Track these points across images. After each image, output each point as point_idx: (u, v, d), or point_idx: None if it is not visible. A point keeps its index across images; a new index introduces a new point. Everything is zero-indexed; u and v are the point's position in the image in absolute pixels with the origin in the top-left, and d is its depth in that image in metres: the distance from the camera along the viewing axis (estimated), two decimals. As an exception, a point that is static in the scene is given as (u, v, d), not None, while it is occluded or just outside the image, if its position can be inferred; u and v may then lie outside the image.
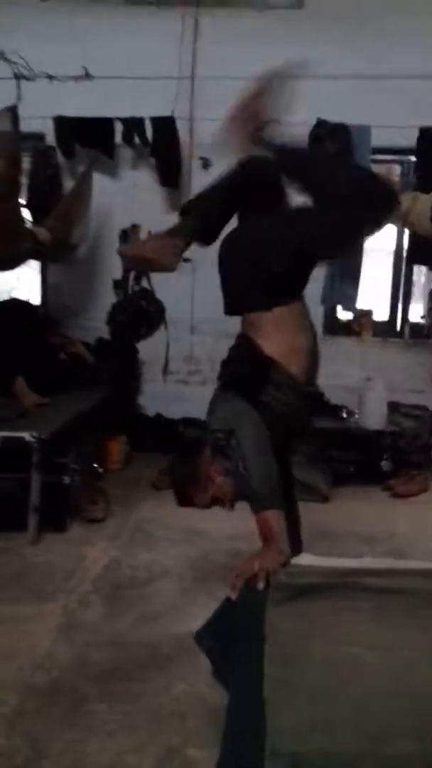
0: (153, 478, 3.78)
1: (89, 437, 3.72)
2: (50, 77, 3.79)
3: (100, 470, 3.76)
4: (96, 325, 4.53)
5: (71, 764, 1.63)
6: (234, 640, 1.45)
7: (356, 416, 4.12)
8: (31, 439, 2.96)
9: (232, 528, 3.16)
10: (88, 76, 3.85)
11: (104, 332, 4.57)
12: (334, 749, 1.12)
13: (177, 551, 2.94)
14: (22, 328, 4.06)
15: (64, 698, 1.88)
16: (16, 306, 4.35)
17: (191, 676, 1.95)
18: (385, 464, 3.98)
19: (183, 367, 4.65)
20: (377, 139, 4.22)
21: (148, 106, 4.28)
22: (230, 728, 1.22)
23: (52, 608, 2.37)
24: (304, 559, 1.64)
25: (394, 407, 4.20)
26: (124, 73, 4.12)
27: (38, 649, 2.11)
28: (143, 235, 4.42)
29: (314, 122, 4.19)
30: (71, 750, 1.67)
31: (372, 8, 4.23)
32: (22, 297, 4.58)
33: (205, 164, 4.48)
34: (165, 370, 4.63)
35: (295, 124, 4.04)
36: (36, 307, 4.65)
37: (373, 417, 4.04)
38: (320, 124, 4.20)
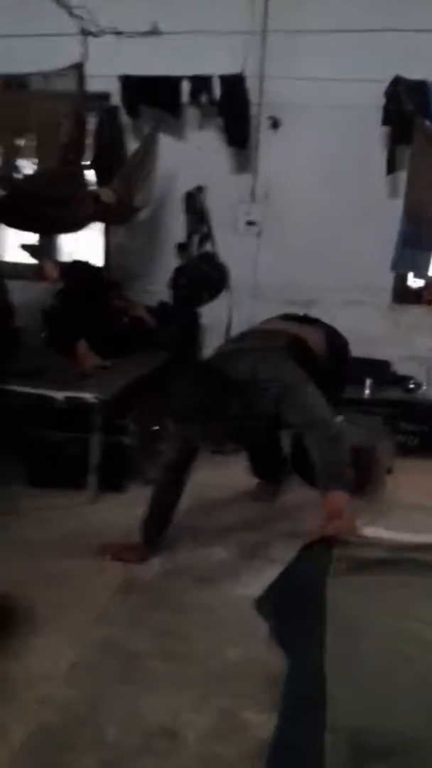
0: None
1: (150, 400, 3.73)
2: (117, 33, 3.71)
3: (160, 433, 3.77)
4: (158, 288, 4.50)
5: (126, 718, 1.64)
6: (295, 609, 1.42)
7: (423, 388, 3.98)
8: (93, 400, 2.98)
9: (289, 495, 3.16)
10: (155, 32, 3.74)
11: (166, 296, 4.54)
12: (395, 727, 1.07)
13: (234, 515, 2.93)
14: (86, 290, 4.09)
15: (119, 654, 1.90)
16: (79, 268, 4.38)
17: (247, 640, 1.94)
18: (450, 438, 3.85)
19: (245, 333, 4.58)
20: (459, 99, 3.99)
21: (216, 63, 4.15)
22: (289, 698, 1.20)
23: (111, 566, 2.40)
24: (370, 532, 1.59)
25: (463, 380, 4.05)
26: (193, 26, 4.01)
27: (96, 605, 2.14)
28: (209, 197, 4.35)
29: (391, 79, 4.00)
30: (126, 704, 1.69)
31: None
32: (85, 259, 4.59)
33: (275, 124, 4.35)
34: (227, 335, 4.57)
35: (371, 81, 3.93)
36: (99, 269, 4.66)
37: (441, 390, 3.91)
38: (397, 81, 4.00)
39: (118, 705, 1.69)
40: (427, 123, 3.93)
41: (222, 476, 3.36)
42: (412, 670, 1.19)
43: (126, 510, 2.92)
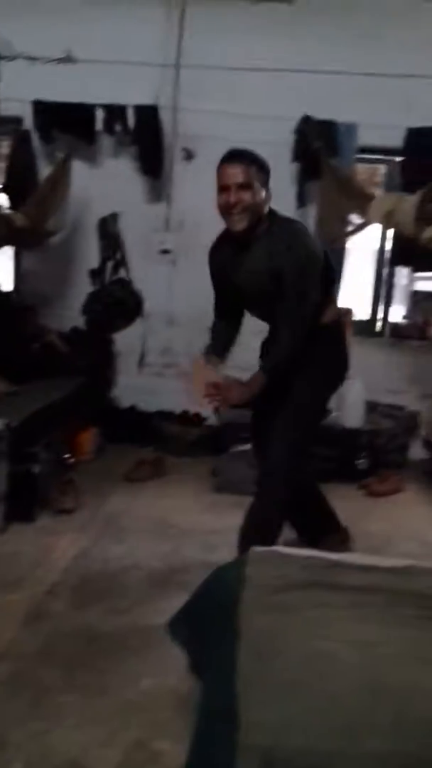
0: (126, 470, 3.72)
1: (61, 427, 3.65)
2: (31, 59, 3.68)
3: (72, 461, 3.68)
4: (71, 314, 4.43)
5: (35, 755, 1.57)
6: (207, 631, 1.41)
7: (335, 414, 4.09)
8: (0, 427, 2.88)
9: (204, 522, 3.14)
10: (70, 59, 3.75)
11: (79, 321, 4.48)
12: (307, 745, 1.08)
13: (148, 544, 2.89)
14: (-5, 315, 3.98)
15: (28, 689, 1.81)
16: (-12, 293, 4.26)
17: (160, 669, 1.90)
18: (361, 463, 3.96)
19: (159, 360, 4.57)
20: (364, 138, 4.20)
21: (130, 93, 4.20)
22: (201, 721, 1.18)
23: (18, 598, 2.30)
24: (283, 550, 1.60)
25: (372, 407, 4.19)
26: (108, 57, 4.04)
27: (2, 638, 2.04)
28: (123, 224, 4.36)
29: (300, 117, 4.17)
30: (35, 741, 1.62)
31: (361, 6, 4.20)
32: (-4, 284, 4.48)
33: (188, 155, 4.43)
34: (141, 362, 4.55)
35: (281, 119, 4.08)
36: (9, 293, 4.56)
37: (352, 415, 4.03)
38: (306, 120, 4.18)
39: (26, 742, 1.61)
40: (334, 160, 4.12)
41: (134, 504, 3.32)
42: (325, 689, 1.19)
43: (35, 540, 2.83)
